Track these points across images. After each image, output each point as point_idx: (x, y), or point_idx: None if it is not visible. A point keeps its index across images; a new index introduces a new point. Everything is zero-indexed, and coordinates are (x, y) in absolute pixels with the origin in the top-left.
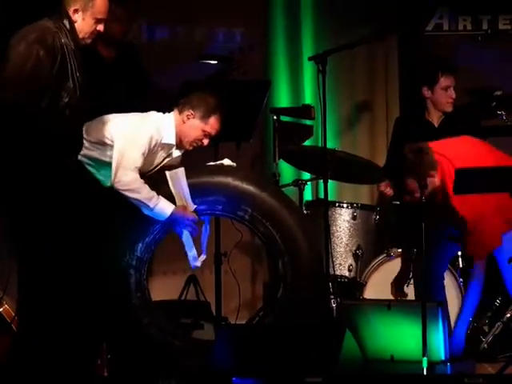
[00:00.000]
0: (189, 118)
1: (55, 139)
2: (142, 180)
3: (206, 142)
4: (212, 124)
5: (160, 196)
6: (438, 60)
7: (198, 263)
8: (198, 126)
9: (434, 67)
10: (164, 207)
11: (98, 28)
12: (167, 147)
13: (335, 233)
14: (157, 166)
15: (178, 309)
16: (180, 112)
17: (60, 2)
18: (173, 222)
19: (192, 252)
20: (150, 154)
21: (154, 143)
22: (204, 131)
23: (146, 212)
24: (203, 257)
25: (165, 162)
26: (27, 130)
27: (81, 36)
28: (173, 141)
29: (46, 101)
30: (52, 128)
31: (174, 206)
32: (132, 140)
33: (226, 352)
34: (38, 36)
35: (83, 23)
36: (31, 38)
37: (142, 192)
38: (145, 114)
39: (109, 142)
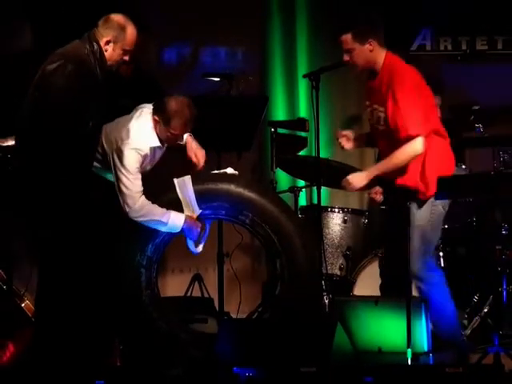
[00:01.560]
0: (156, 122)
1: (81, 155)
2: (149, 202)
3: (126, 58)
4: (175, 127)
5: (169, 210)
6: (429, 80)
7: (199, 250)
8: (163, 129)
9: None
10: (176, 219)
11: (125, 58)
12: (158, 148)
13: (327, 235)
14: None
15: (184, 304)
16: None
17: (90, 27)
18: (183, 232)
19: (191, 242)
20: (145, 161)
21: (143, 157)
22: (172, 134)
23: (161, 229)
24: (201, 248)
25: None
26: (60, 147)
27: (109, 64)
28: (157, 143)
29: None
30: (81, 147)
31: (184, 216)
32: (126, 172)
33: (227, 344)
34: (75, 69)
35: (113, 53)
36: (68, 71)
37: (154, 213)
38: (130, 129)
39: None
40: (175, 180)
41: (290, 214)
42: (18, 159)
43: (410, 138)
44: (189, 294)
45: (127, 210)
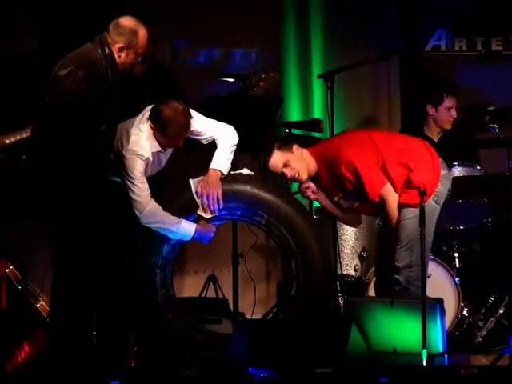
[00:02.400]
0: (153, 129)
1: (94, 158)
2: (160, 208)
3: (180, 144)
4: (170, 135)
5: (180, 218)
6: (444, 82)
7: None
8: (160, 136)
9: (440, 88)
10: (186, 228)
11: (137, 59)
12: (161, 152)
13: (342, 236)
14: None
15: (199, 305)
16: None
17: (101, 25)
18: (196, 239)
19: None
20: (150, 166)
21: (146, 162)
22: (168, 141)
23: (172, 236)
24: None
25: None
26: (72, 152)
27: (121, 68)
28: (157, 148)
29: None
30: (93, 150)
31: (195, 225)
32: (130, 177)
33: (242, 345)
34: (86, 75)
35: (126, 58)
36: (79, 77)
37: (164, 221)
38: (131, 134)
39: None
40: (190, 180)
41: (305, 214)
42: (32, 162)
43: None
44: (204, 294)
45: (137, 215)
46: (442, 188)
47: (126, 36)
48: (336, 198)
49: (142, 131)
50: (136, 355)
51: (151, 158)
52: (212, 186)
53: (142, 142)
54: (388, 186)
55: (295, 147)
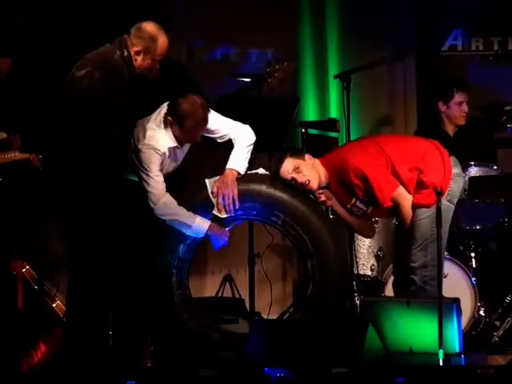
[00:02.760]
0: (170, 123)
1: (111, 156)
2: (175, 201)
3: (198, 139)
4: (188, 128)
5: (195, 215)
6: (453, 78)
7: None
8: (177, 130)
9: (449, 84)
10: (201, 224)
11: (154, 66)
12: (177, 148)
13: (359, 236)
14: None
15: (215, 305)
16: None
17: (113, 26)
18: (209, 238)
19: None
20: (166, 162)
21: (162, 157)
22: (186, 134)
23: (186, 232)
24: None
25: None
26: (90, 149)
27: (137, 71)
28: (173, 143)
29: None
30: (109, 149)
31: (209, 222)
32: (146, 170)
33: (259, 345)
34: (102, 76)
35: (142, 62)
36: (95, 79)
37: (179, 214)
38: (148, 129)
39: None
40: (206, 180)
41: (321, 214)
42: (46, 162)
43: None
44: (220, 294)
45: (152, 206)
46: (455, 187)
47: (144, 40)
48: (349, 206)
49: (159, 126)
50: (152, 355)
51: (167, 154)
52: (228, 186)
53: (158, 136)
54: (400, 189)
55: (307, 156)
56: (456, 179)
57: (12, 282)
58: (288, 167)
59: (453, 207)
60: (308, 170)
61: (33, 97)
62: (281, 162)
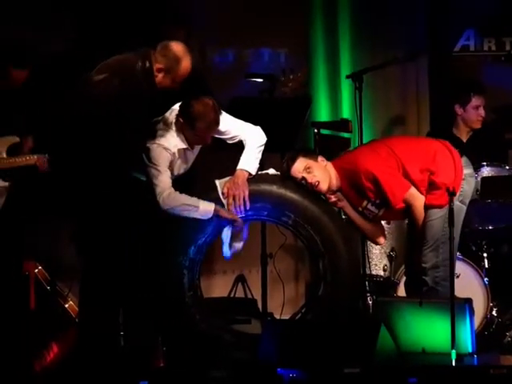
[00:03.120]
0: (182, 124)
1: (122, 161)
2: (177, 193)
3: (209, 140)
4: (199, 130)
5: (199, 199)
6: (470, 81)
7: (237, 248)
8: (189, 131)
9: (466, 88)
10: (206, 206)
11: (174, 86)
12: (188, 150)
13: None
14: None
15: (227, 305)
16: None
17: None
18: (217, 218)
19: (226, 244)
20: (176, 163)
21: (172, 156)
22: (197, 136)
23: (194, 215)
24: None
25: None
26: (96, 153)
27: (157, 87)
28: (184, 145)
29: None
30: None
31: (213, 204)
32: (154, 166)
33: (271, 345)
34: (120, 84)
35: (162, 80)
36: (113, 86)
37: (183, 199)
38: (158, 130)
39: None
40: (217, 181)
41: (332, 214)
42: (56, 162)
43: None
44: (232, 294)
45: (157, 199)
46: (467, 187)
47: (168, 60)
48: (360, 208)
49: (170, 127)
50: (165, 356)
51: (177, 155)
52: (239, 187)
53: (169, 137)
54: (412, 190)
55: (320, 158)
56: (468, 180)
57: (24, 283)
58: (299, 166)
59: (465, 208)
60: (319, 172)
61: (44, 98)
62: (293, 160)
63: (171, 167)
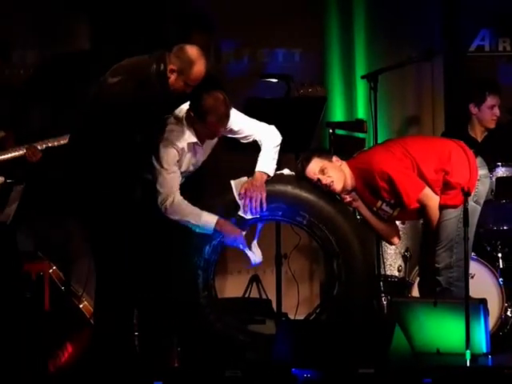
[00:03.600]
0: (192, 118)
1: (133, 163)
2: (183, 201)
3: (219, 135)
4: (209, 123)
5: (202, 211)
6: (485, 81)
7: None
8: (199, 125)
9: (481, 87)
10: (208, 220)
11: (186, 90)
12: (197, 145)
13: None
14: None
15: (242, 306)
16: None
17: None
18: (219, 233)
19: (249, 252)
20: (185, 158)
21: (180, 152)
22: (208, 130)
23: (195, 229)
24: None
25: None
26: (110, 155)
27: (171, 89)
28: (193, 139)
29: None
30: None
31: (216, 218)
32: (161, 166)
33: (286, 345)
34: (135, 87)
35: (175, 82)
36: (127, 88)
37: (185, 213)
38: (168, 124)
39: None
40: (232, 182)
41: (346, 214)
42: (70, 162)
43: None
44: (247, 295)
45: (161, 207)
46: (482, 187)
47: (181, 61)
48: (375, 208)
49: (181, 121)
50: (179, 356)
51: (186, 150)
52: (256, 189)
53: (178, 131)
54: (427, 190)
55: (335, 158)
56: (483, 180)
57: (39, 283)
58: (314, 168)
59: (479, 208)
60: (334, 172)
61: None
62: (307, 161)
63: (179, 163)
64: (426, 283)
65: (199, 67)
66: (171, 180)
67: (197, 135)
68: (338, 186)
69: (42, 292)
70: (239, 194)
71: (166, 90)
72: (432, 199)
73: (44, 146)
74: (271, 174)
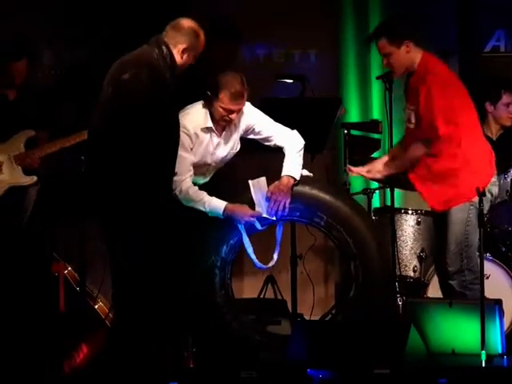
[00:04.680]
0: (208, 98)
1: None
2: (193, 187)
3: (232, 117)
4: (223, 99)
5: (212, 197)
6: (501, 79)
7: (262, 265)
8: (214, 103)
9: (497, 85)
10: (216, 206)
11: (192, 62)
12: (212, 132)
13: (401, 237)
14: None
15: (257, 306)
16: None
17: (156, 31)
18: (229, 217)
19: (252, 256)
20: (199, 146)
21: (192, 138)
22: (222, 108)
23: (204, 210)
24: (275, 257)
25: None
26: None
27: (181, 69)
28: (206, 123)
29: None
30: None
31: (225, 203)
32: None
33: (301, 346)
34: (148, 76)
35: (187, 59)
36: (143, 78)
37: (193, 198)
38: (182, 111)
39: None
40: (250, 181)
41: (364, 216)
42: (92, 161)
43: (436, 137)
44: (262, 295)
45: (175, 190)
46: (488, 194)
47: (189, 37)
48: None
49: (195, 106)
50: (195, 356)
51: (200, 137)
52: (282, 193)
53: (191, 114)
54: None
55: (405, 45)
56: (489, 187)
57: (54, 283)
58: (384, 46)
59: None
60: (397, 59)
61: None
62: (378, 38)
63: (193, 151)
64: (445, 283)
65: (202, 35)
66: (180, 164)
67: (211, 118)
68: (397, 72)
69: (57, 293)
70: (266, 196)
71: (175, 71)
72: (425, 147)
73: (56, 147)
74: (298, 179)
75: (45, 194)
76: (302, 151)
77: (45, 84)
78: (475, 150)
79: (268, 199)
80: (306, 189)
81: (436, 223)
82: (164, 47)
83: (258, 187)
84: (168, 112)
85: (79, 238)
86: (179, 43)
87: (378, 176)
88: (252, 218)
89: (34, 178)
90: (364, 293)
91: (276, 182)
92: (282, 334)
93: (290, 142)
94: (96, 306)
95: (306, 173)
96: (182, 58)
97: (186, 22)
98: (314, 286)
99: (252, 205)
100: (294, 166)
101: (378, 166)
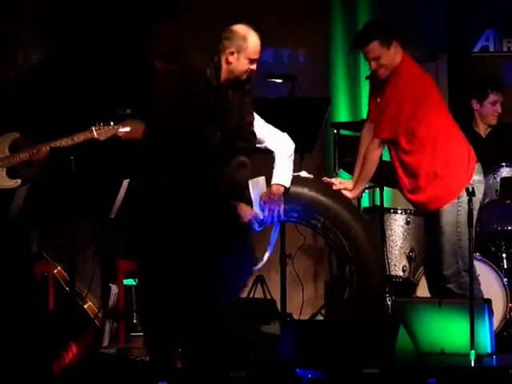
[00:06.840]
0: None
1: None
2: None
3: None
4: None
5: None
6: (488, 78)
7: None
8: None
9: (484, 84)
10: None
11: (251, 67)
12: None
13: (390, 236)
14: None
15: (246, 306)
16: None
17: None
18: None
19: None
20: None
21: None
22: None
23: None
24: (265, 258)
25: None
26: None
27: (235, 74)
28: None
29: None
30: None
31: None
32: None
33: (290, 345)
34: (183, 81)
35: (238, 63)
36: (175, 82)
37: None
38: None
39: None
40: (249, 181)
41: (360, 219)
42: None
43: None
44: (251, 295)
45: None
46: (477, 193)
47: (235, 40)
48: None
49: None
50: (183, 356)
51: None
52: (275, 202)
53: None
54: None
55: (394, 45)
56: (476, 186)
57: (42, 283)
58: (370, 53)
59: (475, 213)
60: (386, 61)
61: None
62: (368, 42)
63: None
64: (436, 288)
65: (253, 37)
66: None
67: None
68: (384, 74)
69: (47, 292)
70: (260, 197)
71: (220, 79)
72: (377, 149)
73: (49, 147)
74: (288, 186)
75: (35, 194)
76: (293, 156)
77: (18, 84)
78: (452, 149)
79: (262, 208)
80: (305, 190)
81: (426, 229)
82: (215, 56)
83: (257, 187)
84: (210, 118)
85: (69, 238)
86: (226, 48)
87: (349, 195)
88: (252, 219)
89: (19, 182)
90: (358, 295)
91: (266, 191)
92: (272, 334)
93: (281, 146)
94: (85, 306)
95: (305, 174)
96: (231, 62)
97: (235, 27)
98: (304, 286)
99: (251, 204)
100: (283, 173)
101: (349, 186)
